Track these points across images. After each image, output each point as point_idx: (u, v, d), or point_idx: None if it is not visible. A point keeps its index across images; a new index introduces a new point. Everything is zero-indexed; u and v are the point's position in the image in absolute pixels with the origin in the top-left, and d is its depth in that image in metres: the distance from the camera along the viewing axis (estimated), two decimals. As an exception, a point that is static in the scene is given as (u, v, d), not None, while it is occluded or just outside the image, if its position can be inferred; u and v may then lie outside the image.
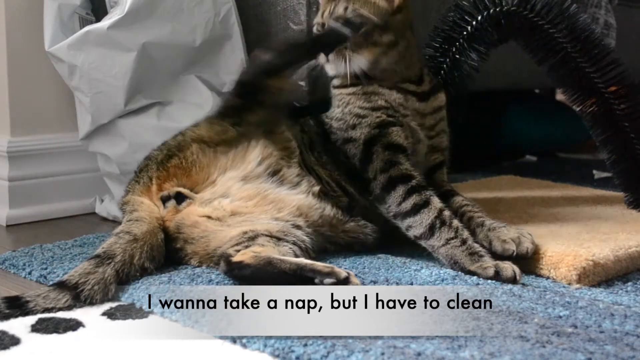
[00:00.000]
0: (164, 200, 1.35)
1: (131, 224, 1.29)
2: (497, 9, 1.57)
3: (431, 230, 1.29)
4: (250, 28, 1.83)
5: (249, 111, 1.39)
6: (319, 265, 1.09)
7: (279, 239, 1.27)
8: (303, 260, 1.13)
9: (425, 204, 1.31)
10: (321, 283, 1.05)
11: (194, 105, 1.74)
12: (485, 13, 1.58)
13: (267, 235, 1.27)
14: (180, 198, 1.34)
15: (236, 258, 1.19)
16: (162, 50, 1.68)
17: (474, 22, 1.59)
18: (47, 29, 1.70)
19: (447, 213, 1.31)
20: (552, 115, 2.77)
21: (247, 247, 1.23)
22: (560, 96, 3.14)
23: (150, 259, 1.26)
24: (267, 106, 1.39)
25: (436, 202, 1.32)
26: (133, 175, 1.47)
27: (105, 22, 1.64)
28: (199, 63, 1.75)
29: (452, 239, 1.28)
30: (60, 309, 1.11)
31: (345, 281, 1.04)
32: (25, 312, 1.09)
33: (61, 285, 1.14)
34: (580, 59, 1.58)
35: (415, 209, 1.31)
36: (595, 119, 1.63)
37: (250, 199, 1.34)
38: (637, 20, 2.78)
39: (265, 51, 1.38)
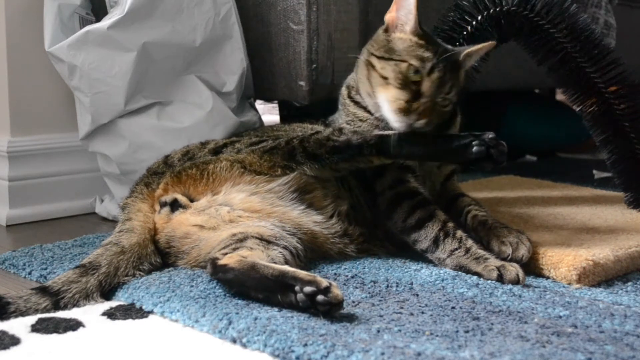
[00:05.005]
0: (162, 205, 1.35)
1: (121, 234, 1.30)
2: (497, 9, 1.57)
3: (435, 242, 1.31)
4: (250, 28, 1.83)
5: (314, 161, 1.34)
6: (302, 273, 1.09)
7: (269, 242, 1.25)
8: (287, 268, 1.12)
9: (430, 217, 1.32)
10: (301, 291, 1.05)
11: (194, 105, 1.74)
12: (485, 13, 1.58)
13: (257, 238, 1.25)
14: (175, 206, 1.33)
15: (222, 261, 1.18)
16: (162, 50, 1.68)
17: (474, 22, 1.59)
18: (47, 29, 1.70)
19: (450, 224, 1.31)
20: (552, 115, 2.77)
21: (235, 249, 1.22)
22: (560, 96, 3.14)
23: (137, 268, 1.27)
24: (340, 170, 1.37)
25: (440, 215, 1.33)
26: (144, 173, 1.47)
27: (105, 22, 1.64)
28: (199, 63, 1.75)
29: (456, 249, 1.29)
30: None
31: (326, 291, 1.04)
32: (4, 314, 1.10)
33: (43, 290, 1.15)
34: (580, 59, 1.58)
35: (420, 223, 1.32)
36: (595, 119, 1.63)
37: (254, 212, 1.31)
38: (637, 20, 2.78)
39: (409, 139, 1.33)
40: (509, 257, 1.28)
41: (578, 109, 1.65)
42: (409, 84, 1.32)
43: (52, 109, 1.87)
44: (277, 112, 2.59)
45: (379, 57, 1.37)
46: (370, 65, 1.39)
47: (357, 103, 1.48)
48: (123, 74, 1.65)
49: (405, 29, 1.36)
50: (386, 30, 1.39)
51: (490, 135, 1.26)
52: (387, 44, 1.37)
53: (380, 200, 1.38)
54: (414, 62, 1.32)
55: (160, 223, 1.33)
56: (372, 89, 1.39)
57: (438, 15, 1.71)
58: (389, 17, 1.38)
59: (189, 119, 1.72)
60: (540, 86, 2.94)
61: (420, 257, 1.35)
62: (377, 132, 1.34)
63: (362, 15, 1.81)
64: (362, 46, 1.79)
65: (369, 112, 1.45)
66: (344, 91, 1.53)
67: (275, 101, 2.43)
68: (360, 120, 1.46)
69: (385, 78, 1.34)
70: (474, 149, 1.25)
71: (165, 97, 1.73)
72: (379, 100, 1.37)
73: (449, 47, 1.38)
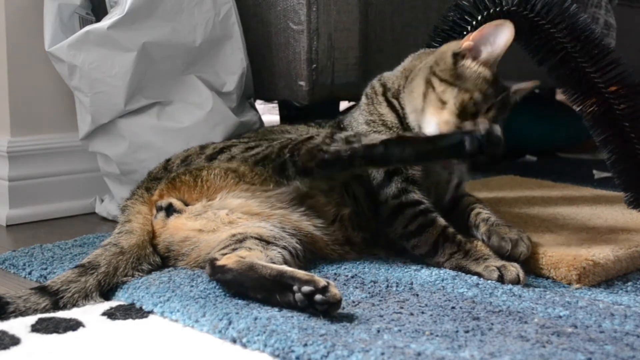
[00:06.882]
0: (158, 209, 1.35)
1: (120, 235, 1.30)
2: (497, 9, 1.57)
3: (435, 247, 1.31)
4: (250, 28, 1.83)
5: (305, 176, 1.31)
6: (300, 273, 1.09)
7: (268, 242, 1.25)
8: (285, 267, 1.12)
9: (430, 223, 1.33)
10: (299, 291, 1.05)
11: (194, 105, 1.74)
12: (485, 13, 1.58)
13: (256, 239, 1.25)
14: (170, 210, 1.33)
15: (221, 262, 1.17)
16: (162, 50, 1.68)
17: (474, 22, 1.59)
18: (47, 29, 1.70)
19: (450, 230, 1.32)
20: (552, 115, 2.77)
21: (234, 249, 1.21)
22: (560, 96, 3.14)
23: (136, 268, 1.27)
24: (336, 179, 1.36)
25: (441, 222, 1.33)
26: (145, 178, 1.47)
27: (105, 22, 1.64)
28: (199, 63, 1.75)
29: (456, 252, 1.29)
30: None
31: (324, 290, 1.04)
32: (3, 314, 1.10)
33: (42, 290, 1.15)
34: (580, 59, 1.58)
35: (420, 229, 1.33)
36: (595, 119, 1.63)
37: (253, 214, 1.30)
38: (637, 20, 2.78)
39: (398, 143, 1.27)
40: (508, 253, 1.28)
41: (578, 109, 1.65)
42: (465, 114, 1.33)
43: (52, 109, 1.87)
44: (277, 112, 2.59)
45: (441, 80, 1.37)
46: (429, 84, 1.38)
47: (391, 106, 1.47)
48: (123, 74, 1.65)
49: (478, 59, 1.36)
50: (455, 55, 1.38)
51: (482, 130, 1.25)
52: (455, 68, 1.36)
53: (383, 208, 1.38)
54: (477, 96, 1.33)
55: (158, 228, 1.33)
56: (423, 106, 1.38)
57: (438, 15, 1.71)
58: (466, 45, 1.37)
59: (189, 119, 1.72)
60: (540, 86, 2.93)
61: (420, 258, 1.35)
62: (364, 142, 1.29)
63: (362, 15, 1.81)
64: (362, 46, 1.80)
65: (400, 119, 1.44)
66: (378, 88, 1.50)
67: (275, 101, 2.43)
68: (384, 125, 1.44)
69: (443, 102, 1.35)
70: (466, 144, 1.23)
71: (165, 97, 1.74)
72: (427, 120, 1.37)
73: (504, 84, 1.39)
